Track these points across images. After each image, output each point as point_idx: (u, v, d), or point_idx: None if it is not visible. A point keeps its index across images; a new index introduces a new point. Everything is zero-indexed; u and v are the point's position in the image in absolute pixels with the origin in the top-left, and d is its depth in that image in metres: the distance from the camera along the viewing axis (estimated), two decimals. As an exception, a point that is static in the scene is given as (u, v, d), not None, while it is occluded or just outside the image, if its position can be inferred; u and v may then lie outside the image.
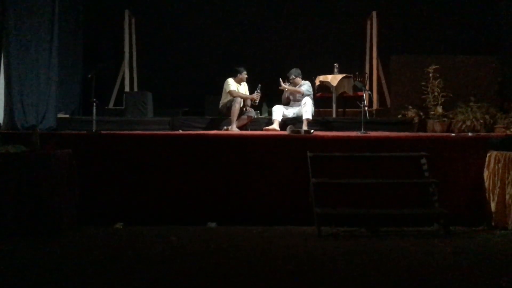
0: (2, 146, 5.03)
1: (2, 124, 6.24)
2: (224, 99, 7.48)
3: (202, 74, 9.54)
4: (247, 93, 7.62)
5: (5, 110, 6.35)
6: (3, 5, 6.11)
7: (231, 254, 4.35)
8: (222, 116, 7.53)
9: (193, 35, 9.92)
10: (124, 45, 9.49)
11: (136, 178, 5.52)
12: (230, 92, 7.38)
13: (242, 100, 7.37)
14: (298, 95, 7.54)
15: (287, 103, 7.67)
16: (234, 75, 7.54)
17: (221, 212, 5.45)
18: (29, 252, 4.34)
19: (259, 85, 7.49)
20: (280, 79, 7.62)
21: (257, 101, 7.52)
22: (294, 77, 7.63)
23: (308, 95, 7.46)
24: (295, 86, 7.64)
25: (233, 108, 7.20)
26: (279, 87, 7.63)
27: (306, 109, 7.19)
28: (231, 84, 7.43)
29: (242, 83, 7.62)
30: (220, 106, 7.56)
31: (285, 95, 7.68)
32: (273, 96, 8.06)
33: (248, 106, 7.52)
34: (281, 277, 3.74)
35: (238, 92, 7.41)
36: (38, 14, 6.81)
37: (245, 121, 7.44)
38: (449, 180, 5.45)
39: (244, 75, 7.58)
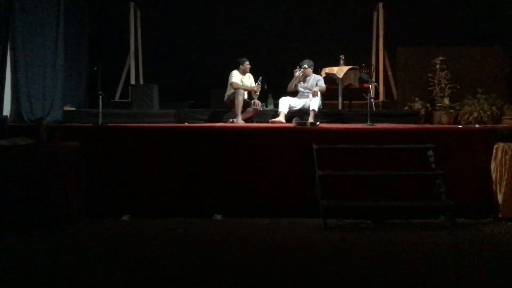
0: (9, 138, 5.05)
1: (9, 117, 6.27)
2: (228, 91, 7.50)
3: (207, 66, 9.54)
4: (253, 84, 7.61)
5: (12, 103, 6.38)
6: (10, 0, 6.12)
7: (237, 246, 4.36)
8: (228, 108, 7.53)
9: (198, 27, 9.91)
10: (130, 37, 9.49)
11: (142, 171, 5.53)
12: (231, 84, 7.40)
13: (245, 91, 7.37)
14: (303, 85, 7.52)
15: (293, 92, 7.63)
16: (237, 67, 7.54)
17: (227, 205, 5.46)
18: (36, 244, 4.36)
19: (260, 77, 7.49)
20: (298, 68, 7.57)
21: (258, 93, 7.51)
22: (306, 67, 7.57)
23: (322, 90, 7.45)
24: (305, 78, 7.58)
25: (236, 100, 7.20)
26: (295, 72, 7.55)
27: (315, 100, 7.16)
28: (234, 76, 7.44)
29: (246, 74, 7.61)
30: (225, 99, 7.57)
31: (294, 82, 7.59)
32: (279, 89, 8.04)
33: (255, 98, 7.51)
34: (287, 269, 3.75)
35: (239, 84, 7.41)
36: (43, 8, 6.83)
37: (250, 114, 7.44)
38: (456, 172, 5.42)
39: (247, 65, 7.57)
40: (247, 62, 7.57)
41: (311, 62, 7.63)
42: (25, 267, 3.78)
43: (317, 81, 7.54)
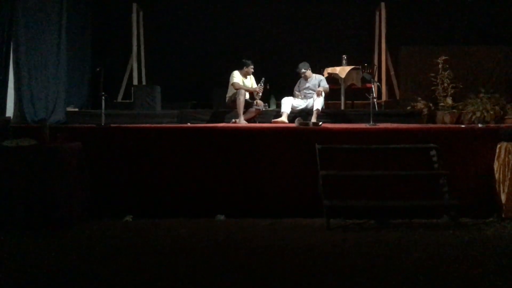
0: (12, 139, 5.07)
1: (12, 118, 6.29)
2: (230, 92, 7.50)
3: (210, 67, 9.54)
4: (254, 86, 7.60)
5: (15, 104, 6.40)
6: (12, 0, 6.14)
7: (240, 247, 4.36)
8: (229, 109, 7.53)
9: (201, 28, 9.92)
10: (132, 38, 9.51)
11: (145, 171, 5.53)
12: (233, 85, 7.39)
13: (246, 92, 7.37)
14: (305, 85, 7.55)
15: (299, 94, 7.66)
16: (240, 67, 7.53)
17: (229, 205, 5.46)
18: (39, 244, 4.37)
19: (263, 79, 7.46)
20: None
21: (260, 94, 7.49)
22: (304, 70, 7.60)
23: (326, 90, 7.46)
24: (306, 80, 7.61)
25: (237, 100, 7.20)
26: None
27: (319, 100, 7.17)
28: (236, 76, 7.43)
29: (248, 77, 7.60)
30: (226, 99, 7.56)
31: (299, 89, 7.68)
32: (281, 89, 8.04)
33: (257, 99, 7.49)
34: (290, 270, 3.75)
35: (241, 84, 7.40)
36: (46, 9, 6.84)
37: (253, 114, 7.43)
38: (459, 172, 5.42)
39: (251, 69, 7.55)
40: (252, 66, 7.54)
41: (307, 64, 7.64)
42: (28, 267, 3.79)
43: (319, 80, 7.56)
